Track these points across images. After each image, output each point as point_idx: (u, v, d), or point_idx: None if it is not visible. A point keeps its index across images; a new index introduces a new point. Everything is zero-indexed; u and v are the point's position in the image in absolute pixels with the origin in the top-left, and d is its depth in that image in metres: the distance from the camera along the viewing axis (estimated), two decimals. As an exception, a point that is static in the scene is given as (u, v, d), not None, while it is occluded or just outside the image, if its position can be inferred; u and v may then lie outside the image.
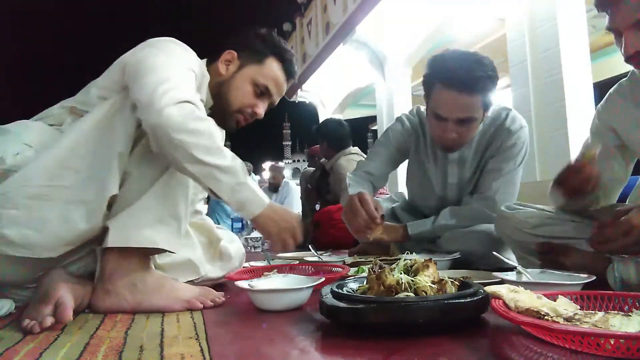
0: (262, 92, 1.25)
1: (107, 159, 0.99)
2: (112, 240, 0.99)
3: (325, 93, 6.76)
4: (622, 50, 1.03)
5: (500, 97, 6.06)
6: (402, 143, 1.75)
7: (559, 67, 2.68)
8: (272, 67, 1.26)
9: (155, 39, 1.12)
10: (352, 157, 3.08)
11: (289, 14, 6.64)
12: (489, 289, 0.77)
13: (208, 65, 1.25)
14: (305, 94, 6.81)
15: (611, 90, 1.28)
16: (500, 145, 1.61)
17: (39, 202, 0.96)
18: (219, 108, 1.24)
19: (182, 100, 0.95)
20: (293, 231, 1.09)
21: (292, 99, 6.95)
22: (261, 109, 1.27)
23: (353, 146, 3.22)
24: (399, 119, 1.79)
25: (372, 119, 6.06)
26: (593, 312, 0.71)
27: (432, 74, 1.47)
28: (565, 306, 0.74)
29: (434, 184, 1.74)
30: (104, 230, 1.01)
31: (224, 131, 1.32)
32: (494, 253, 1.18)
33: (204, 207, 1.38)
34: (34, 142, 1.04)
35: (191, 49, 1.16)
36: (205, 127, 0.97)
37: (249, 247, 2.84)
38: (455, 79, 1.38)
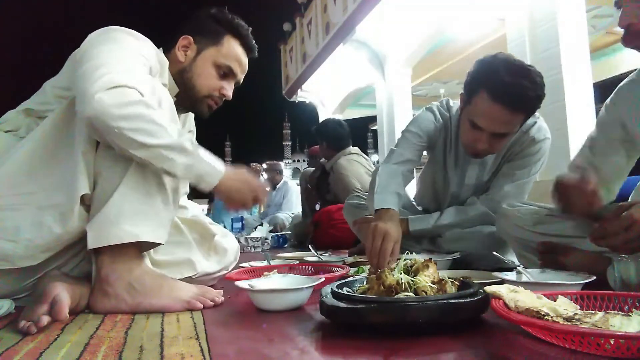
0: (225, 73, 1.23)
1: (72, 160, 0.96)
2: (91, 242, 0.96)
3: (325, 93, 6.75)
4: (619, 24, 1.02)
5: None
6: (432, 135, 1.64)
7: (559, 67, 2.68)
8: (231, 46, 1.23)
9: (106, 28, 1.07)
10: (352, 157, 3.08)
11: (289, 14, 6.64)
12: (489, 289, 0.77)
13: (166, 53, 1.21)
14: (305, 94, 6.80)
15: (621, 84, 1.25)
16: (520, 151, 1.56)
17: (9, 212, 0.94)
18: (186, 95, 1.22)
19: (115, 84, 0.90)
20: (254, 191, 1.07)
21: (292, 99, 6.95)
22: (229, 91, 1.25)
23: (353, 146, 3.22)
24: (429, 110, 1.67)
25: (372, 119, 6.06)
26: (593, 312, 0.71)
27: (480, 77, 1.36)
28: (565, 306, 0.74)
29: (451, 182, 1.69)
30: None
31: (191, 114, 1.32)
32: (494, 253, 1.18)
33: (188, 203, 1.38)
34: None
35: (146, 37, 1.11)
36: (142, 109, 0.92)
37: (249, 247, 2.84)
38: (505, 93, 1.29)
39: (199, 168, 0.98)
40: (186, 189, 1.38)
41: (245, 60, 1.27)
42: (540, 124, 1.56)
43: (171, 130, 0.95)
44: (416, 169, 1.83)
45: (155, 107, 0.95)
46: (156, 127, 0.93)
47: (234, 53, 1.23)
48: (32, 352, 0.72)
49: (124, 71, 0.94)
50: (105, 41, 1.01)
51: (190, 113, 1.35)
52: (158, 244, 1.05)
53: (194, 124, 1.41)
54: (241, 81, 1.28)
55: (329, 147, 3.17)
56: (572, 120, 2.62)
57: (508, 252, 1.47)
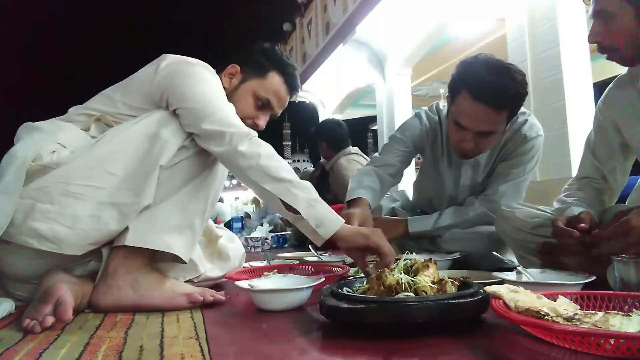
0: (263, 104, 1.30)
1: (148, 169, 1.03)
2: (130, 239, 1.02)
3: (325, 93, 6.75)
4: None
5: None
6: (419, 141, 1.66)
7: (559, 67, 2.68)
8: (274, 81, 1.30)
9: (182, 62, 1.16)
10: (352, 157, 3.08)
11: (289, 14, 6.64)
12: (489, 289, 0.77)
13: None
14: (305, 94, 6.80)
15: (610, 85, 1.28)
16: (513, 150, 1.57)
17: (73, 199, 0.98)
18: None
19: (249, 134, 1.07)
20: (378, 243, 1.04)
21: (292, 99, 6.95)
22: (262, 121, 1.31)
23: (352, 146, 3.22)
24: (417, 115, 1.70)
25: (372, 119, 6.06)
26: (593, 312, 0.71)
27: (461, 78, 1.38)
28: (565, 306, 0.74)
29: (447, 184, 1.70)
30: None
31: None
32: (494, 253, 1.18)
33: None
34: (67, 142, 1.07)
35: (211, 69, 1.22)
36: (272, 151, 1.08)
37: (249, 247, 2.84)
38: (485, 91, 1.31)
39: (321, 211, 1.05)
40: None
41: (285, 97, 1.34)
42: (531, 121, 1.57)
43: (294, 173, 1.08)
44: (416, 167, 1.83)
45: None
46: (285, 165, 1.07)
47: (276, 88, 1.30)
48: (32, 352, 0.72)
49: (236, 117, 1.11)
50: (197, 79, 1.12)
51: None
52: (178, 260, 1.10)
53: None
54: (277, 115, 1.36)
55: (329, 148, 3.18)
56: (572, 120, 2.62)
57: (508, 252, 1.47)
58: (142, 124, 1.07)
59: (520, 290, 0.76)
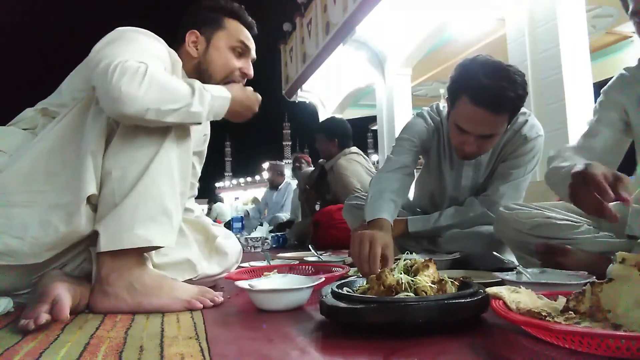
0: (241, 51, 1.29)
1: (81, 160, 0.97)
2: (104, 245, 0.97)
3: (325, 93, 6.75)
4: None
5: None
6: (426, 140, 1.65)
7: (559, 67, 2.68)
8: (234, 26, 1.29)
9: (120, 29, 1.11)
10: (352, 157, 3.08)
11: (289, 14, 6.64)
12: (490, 290, 0.77)
13: (178, 51, 1.22)
14: (305, 94, 6.80)
15: (622, 70, 1.26)
16: (514, 151, 1.57)
17: (18, 209, 0.95)
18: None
19: (128, 67, 0.92)
20: (253, 99, 1.16)
21: (292, 99, 6.95)
22: (249, 69, 1.31)
23: (352, 146, 3.22)
24: (420, 115, 1.69)
25: (372, 119, 6.05)
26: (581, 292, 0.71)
27: (460, 82, 1.38)
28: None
29: (448, 185, 1.70)
30: (95, 232, 1.00)
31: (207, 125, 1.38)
32: (494, 253, 1.18)
33: (193, 205, 1.38)
34: (7, 147, 1.03)
35: (159, 38, 1.14)
36: (159, 80, 0.95)
37: (249, 247, 2.84)
38: (485, 95, 1.30)
39: (216, 107, 1.05)
40: (194, 192, 1.39)
41: (250, 36, 1.33)
42: (531, 121, 1.57)
43: (179, 84, 0.99)
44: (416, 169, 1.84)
45: (159, 70, 0.99)
46: (172, 94, 0.97)
47: (240, 31, 1.30)
48: (32, 352, 0.72)
49: (138, 59, 0.97)
50: (119, 40, 1.05)
51: (207, 128, 1.40)
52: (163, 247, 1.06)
53: (209, 127, 1.43)
54: (254, 57, 1.34)
55: (339, 145, 3.14)
56: (572, 120, 2.62)
57: (507, 251, 1.48)
58: (70, 113, 1.02)
59: (521, 291, 0.76)
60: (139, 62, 0.94)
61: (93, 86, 0.99)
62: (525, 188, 1.65)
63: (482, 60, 1.37)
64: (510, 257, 1.38)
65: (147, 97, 0.92)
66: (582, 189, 0.91)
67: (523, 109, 1.52)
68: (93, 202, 1.00)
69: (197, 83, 1.02)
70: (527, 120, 1.56)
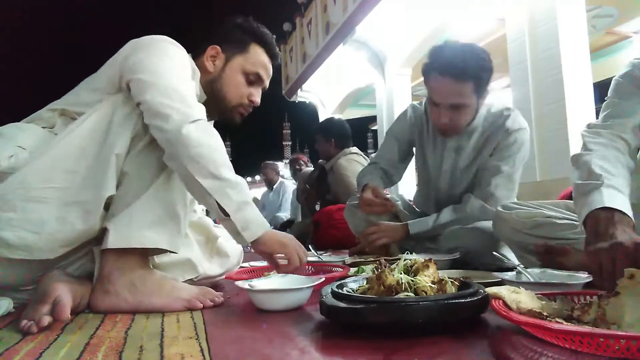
0: (253, 80, 1.27)
1: (104, 160, 0.99)
2: (112, 242, 0.99)
3: (325, 93, 6.75)
4: None
5: (500, 97, 6.07)
6: (405, 133, 1.82)
7: (559, 67, 2.68)
8: (257, 53, 1.27)
9: (148, 38, 1.12)
10: (352, 157, 3.08)
11: (289, 14, 6.64)
12: (490, 290, 0.77)
13: (194, 60, 1.23)
14: (305, 94, 6.80)
15: (637, 59, 1.13)
16: (498, 145, 1.64)
17: (36, 204, 0.96)
18: (215, 104, 1.25)
19: (197, 118, 0.99)
20: (298, 244, 1.11)
21: (292, 99, 6.95)
22: (257, 97, 1.29)
23: (352, 146, 3.21)
24: (404, 111, 1.86)
25: (372, 119, 6.06)
26: (587, 303, 0.71)
27: (429, 62, 1.55)
28: (565, 307, 0.74)
29: (431, 169, 1.79)
30: (102, 231, 1.01)
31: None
32: (494, 253, 1.18)
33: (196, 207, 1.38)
34: (28, 144, 1.03)
35: (181, 46, 1.15)
36: (218, 143, 1.01)
37: (249, 247, 2.83)
38: (448, 65, 1.47)
39: (248, 214, 1.01)
40: None
41: (270, 66, 1.31)
42: (514, 116, 1.65)
43: (232, 168, 1.02)
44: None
45: (222, 142, 1.04)
46: (227, 162, 1.01)
47: (261, 60, 1.27)
48: (32, 352, 0.72)
49: (193, 96, 1.04)
50: (159, 55, 1.06)
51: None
52: (168, 251, 1.08)
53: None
54: (267, 87, 1.32)
55: (336, 146, 3.14)
56: (572, 120, 2.62)
57: (506, 249, 1.48)
58: (96, 114, 1.03)
59: (521, 291, 0.76)
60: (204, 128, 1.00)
61: (122, 89, 1.05)
62: (517, 180, 1.69)
63: (449, 42, 1.57)
64: (510, 256, 1.38)
65: (202, 146, 0.97)
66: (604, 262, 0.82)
67: (508, 105, 1.66)
68: (107, 202, 1.02)
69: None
70: (510, 115, 1.65)
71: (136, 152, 1.03)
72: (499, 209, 1.41)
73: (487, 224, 1.56)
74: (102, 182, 0.99)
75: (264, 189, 5.39)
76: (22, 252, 0.96)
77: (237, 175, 1.02)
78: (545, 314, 0.68)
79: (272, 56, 1.30)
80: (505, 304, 0.71)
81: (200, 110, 1.03)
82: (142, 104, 1.00)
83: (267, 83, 1.31)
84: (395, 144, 1.84)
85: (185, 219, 1.11)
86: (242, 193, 1.01)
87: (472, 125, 1.65)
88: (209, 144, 0.99)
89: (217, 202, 0.98)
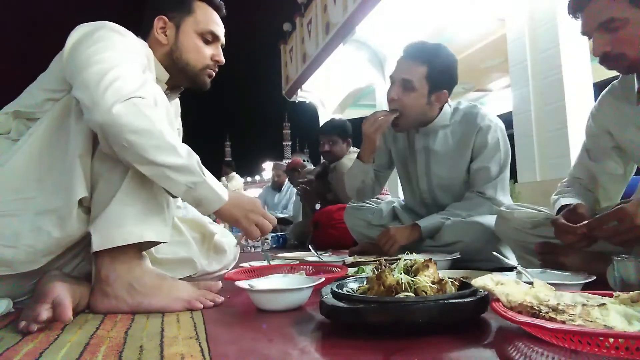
0: (209, 39, 1.21)
1: (69, 163, 0.96)
2: (96, 244, 0.96)
3: (325, 93, 6.76)
4: (593, 54, 1.09)
5: (500, 97, 6.06)
6: (381, 143, 1.90)
7: (559, 67, 2.68)
8: (203, 10, 1.21)
9: (88, 26, 1.04)
10: (353, 157, 3.06)
11: (289, 14, 6.64)
12: (475, 282, 0.78)
13: (147, 41, 1.18)
14: (305, 94, 6.81)
15: (603, 92, 1.30)
16: (474, 147, 1.69)
17: (8, 218, 0.94)
18: (181, 74, 1.20)
19: (129, 96, 0.90)
20: (261, 213, 1.09)
21: (292, 99, 6.96)
22: (220, 55, 1.24)
23: (353, 146, 3.21)
24: None
25: (372, 119, 6.06)
26: (572, 304, 0.71)
27: None
28: (544, 291, 0.77)
29: (411, 174, 1.86)
30: (89, 234, 0.99)
31: (178, 104, 1.34)
32: (494, 253, 1.18)
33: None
34: None
35: (129, 32, 1.09)
36: (156, 124, 0.92)
37: (249, 247, 2.84)
38: (409, 46, 1.68)
39: (200, 193, 0.98)
40: None
41: (219, 20, 1.24)
42: (482, 112, 1.71)
43: (182, 148, 0.95)
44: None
45: (165, 119, 0.96)
46: (167, 145, 0.93)
47: (210, 16, 1.22)
48: (32, 352, 0.72)
49: (130, 76, 0.94)
50: (98, 41, 0.98)
51: (177, 106, 1.36)
52: (160, 243, 1.06)
53: (180, 122, 1.39)
54: (224, 42, 1.26)
55: (349, 145, 3.14)
56: (572, 120, 2.62)
57: (507, 249, 1.48)
58: (51, 117, 0.99)
59: (505, 281, 0.77)
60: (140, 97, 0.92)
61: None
62: (508, 175, 1.74)
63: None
64: (509, 255, 1.39)
65: (134, 133, 0.90)
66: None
67: (474, 103, 1.77)
68: (85, 205, 1.00)
69: (198, 160, 0.99)
70: (478, 112, 1.70)
71: (100, 150, 0.99)
72: (502, 209, 1.42)
73: (488, 220, 1.57)
74: (71, 186, 0.96)
75: (260, 190, 5.35)
76: (4, 268, 0.95)
77: (184, 151, 0.96)
78: (536, 308, 0.68)
79: (216, 8, 1.24)
80: (499, 301, 0.72)
81: (138, 86, 0.94)
82: (77, 96, 0.93)
83: (223, 39, 1.25)
84: (379, 153, 1.90)
85: (168, 207, 1.07)
86: (190, 174, 0.96)
87: (433, 125, 1.72)
88: (143, 128, 0.90)
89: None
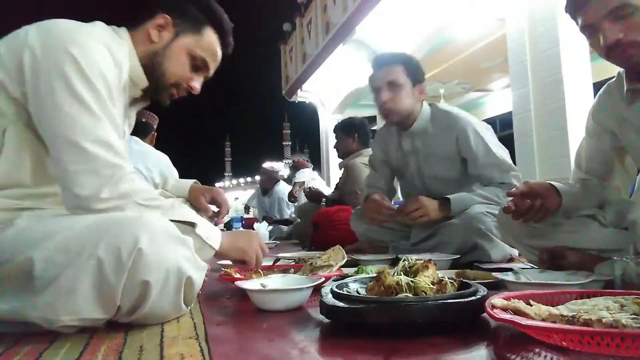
0: (199, 65, 1.13)
1: None
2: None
3: (325, 93, 6.76)
4: (602, 43, 1.04)
5: (500, 97, 6.07)
6: (379, 155, 2.04)
7: (559, 67, 2.68)
8: (211, 39, 1.13)
9: (52, 44, 0.90)
10: (366, 160, 3.01)
11: (289, 14, 6.64)
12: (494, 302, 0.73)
13: (135, 27, 1.09)
14: (305, 94, 6.81)
15: (600, 91, 1.28)
16: (461, 145, 1.74)
17: None
18: (151, 78, 1.09)
19: (123, 195, 0.88)
20: (259, 242, 1.11)
21: (292, 99, 6.96)
22: (197, 83, 1.15)
23: (361, 141, 3.17)
24: (371, 143, 2.22)
25: (372, 119, 6.06)
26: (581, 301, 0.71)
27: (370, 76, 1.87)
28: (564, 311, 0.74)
29: (405, 174, 1.94)
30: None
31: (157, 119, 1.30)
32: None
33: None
34: None
35: (96, 33, 0.97)
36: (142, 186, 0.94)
37: None
38: (379, 58, 1.85)
39: (205, 232, 0.98)
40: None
41: (220, 56, 1.17)
42: (455, 112, 1.81)
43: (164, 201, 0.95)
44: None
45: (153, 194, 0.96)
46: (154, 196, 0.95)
47: (213, 48, 1.14)
48: (32, 352, 0.72)
49: (111, 163, 0.89)
50: (69, 86, 0.88)
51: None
52: None
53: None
54: (210, 76, 1.19)
55: (359, 142, 3.09)
56: (572, 120, 2.62)
57: (492, 242, 1.57)
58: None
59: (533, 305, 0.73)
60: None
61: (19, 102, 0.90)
62: (508, 157, 1.75)
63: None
64: (496, 249, 1.49)
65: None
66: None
67: (444, 105, 1.90)
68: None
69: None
70: (452, 113, 1.81)
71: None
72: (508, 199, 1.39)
73: (471, 216, 1.61)
74: None
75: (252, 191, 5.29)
76: None
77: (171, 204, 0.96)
78: (569, 315, 0.66)
79: (225, 45, 1.17)
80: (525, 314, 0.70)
81: (121, 160, 0.91)
82: (55, 162, 0.89)
83: (211, 73, 1.18)
84: (377, 170, 2.05)
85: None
86: (190, 212, 0.97)
87: (417, 125, 1.80)
88: (137, 189, 0.91)
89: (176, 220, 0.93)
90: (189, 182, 1.40)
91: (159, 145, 2.74)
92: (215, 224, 1.45)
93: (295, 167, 4.52)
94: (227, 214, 1.44)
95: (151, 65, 1.09)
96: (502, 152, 1.74)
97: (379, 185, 2.01)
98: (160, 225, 0.86)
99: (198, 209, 1.34)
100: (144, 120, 2.65)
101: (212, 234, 0.99)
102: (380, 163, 2.03)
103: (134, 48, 1.07)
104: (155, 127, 2.75)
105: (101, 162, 0.87)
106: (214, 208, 1.39)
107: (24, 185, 0.94)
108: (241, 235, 1.10)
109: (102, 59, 0.94)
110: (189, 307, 0.95)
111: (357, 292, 0.88)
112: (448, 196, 1.68)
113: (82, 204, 0.86)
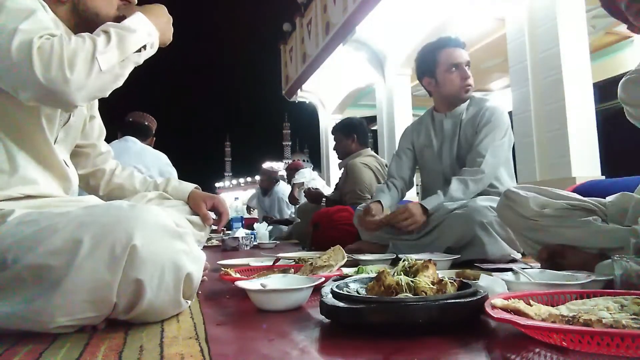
0: None
1: None
2: None
3: (325, 93, 6.76)
4: None
5: (500, 97, 6.06)
6: (408, 143, 2.16)
7: (559, 67, 2.68)
8: None
9: None
10: (367, 161, 2.95)
11: (289, 14, 6.64)
12: (505, 303, 0.72)
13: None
14: (305, 94, 6.81)
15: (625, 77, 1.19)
16: (478, 124, 1.89)
17: None
18: (90, 29, 0.96)
19: (37, 42, 0.80)
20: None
21: (292, 99, 6.96)
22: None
23: (360, 142, 3.17)
24: (405, 129, 2.25)
25: (372, 119, 6.06)
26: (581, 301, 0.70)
27: (429, 50, 1.99)
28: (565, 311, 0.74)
29: (435, 154, 2.05)
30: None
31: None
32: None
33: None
34: None
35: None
36: (80, 45, 0.84)
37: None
38: (448, 40, 1.98)
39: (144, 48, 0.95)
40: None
41: None
42: (491, 102, 1.96)
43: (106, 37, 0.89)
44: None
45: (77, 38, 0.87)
46: (108, 45, 0.88)
47: None
48: (32, 352, 0.72)
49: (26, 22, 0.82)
50: None
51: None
52: None
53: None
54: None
55: (359, 142, 3.09)
56: (572, 120, 2.62)
57: (490, 235, 1.59)
58: None
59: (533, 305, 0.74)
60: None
61: None
62: (502, 154, 1.85)
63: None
64: (493, 243, 1.50)
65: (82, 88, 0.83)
66: None
67: (486, 97, 2.03)
68: None
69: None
70: (487, 100, 1.97)
71: None
72: (512, 189, 1.40)
73: (467, 211, 1.66)
74: None
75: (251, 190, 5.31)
76: None
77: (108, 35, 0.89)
78: (569, 316, 0.66)
79: None
80: (526, 315, 0.69)
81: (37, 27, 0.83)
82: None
83: None
84: (409, 149, 2.15)
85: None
86: (124, 53, 0.91)
87: (461, 107, 1.97)
88: (79, 69, 0.83)
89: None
90: (190, 187, 1.39)
91: (159, 145, 2.75)
92: (215, 231, 1.44)
93: (290, 169, 4.50)
94: (226, 222, 1.44)
95: (79, 18, 1.04)
96: (499, 152, 1.83)
97: (402, 175, 2.14)
98: (154, 220, 0.84)
99: (197, 214, 1.34)
100: (145, 123, 2.65)
101: (151, 36, 0.96)
102: (407, 152, 2.16)
103: (55, 14, 1.00)
104: (154, 131, 2.77)
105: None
106: (213, 216, 1.38)
107: (3, 172, 0.92)
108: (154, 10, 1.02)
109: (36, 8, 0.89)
110: (189, 303, 0.94)
111: (357, 292, 0.88)
112: (422, 202, 1.84)
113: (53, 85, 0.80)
